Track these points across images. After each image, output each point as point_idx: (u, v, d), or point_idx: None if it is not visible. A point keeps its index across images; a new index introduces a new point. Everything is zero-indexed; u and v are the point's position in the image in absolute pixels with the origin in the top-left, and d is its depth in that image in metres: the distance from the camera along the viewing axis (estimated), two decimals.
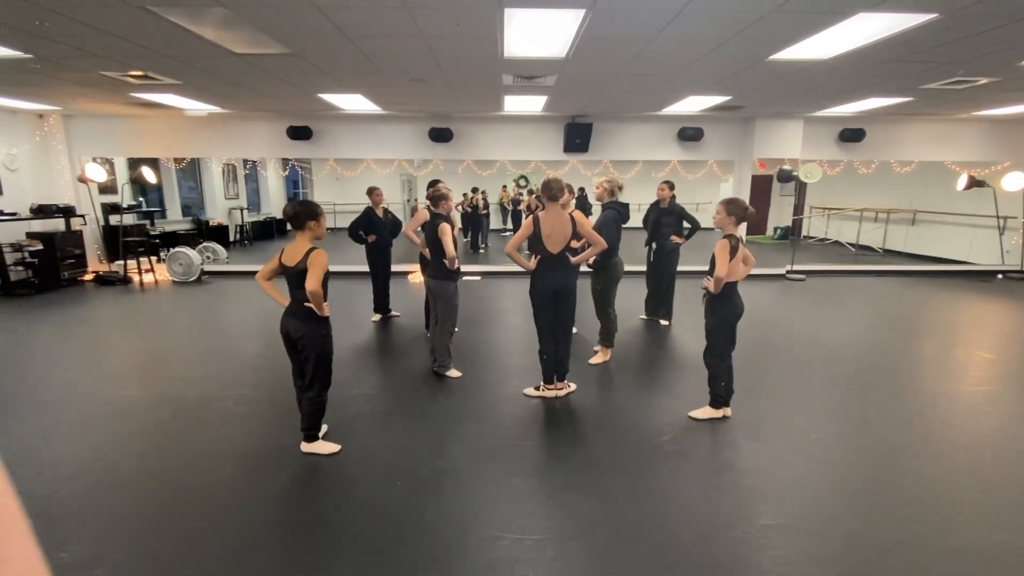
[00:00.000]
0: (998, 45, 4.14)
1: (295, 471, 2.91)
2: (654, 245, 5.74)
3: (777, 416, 3.61)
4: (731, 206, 3.26)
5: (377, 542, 2.34)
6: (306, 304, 2.82)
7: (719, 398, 3.54)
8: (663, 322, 5.87)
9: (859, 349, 5.10)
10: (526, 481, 2.82)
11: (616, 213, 4.43)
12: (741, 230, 8.97)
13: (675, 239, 5.61)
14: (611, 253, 4.36)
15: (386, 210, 5.78)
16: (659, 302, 5.89)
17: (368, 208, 5.66)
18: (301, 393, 3.02)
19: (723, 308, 3.40)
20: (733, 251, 3.24)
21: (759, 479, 2.83)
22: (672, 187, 5.62)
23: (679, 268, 5.85)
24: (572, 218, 3.62)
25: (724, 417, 3.55)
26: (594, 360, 4.62)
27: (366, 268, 5.86)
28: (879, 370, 4.53)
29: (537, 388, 3.94)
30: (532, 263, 3.70)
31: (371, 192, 5.66)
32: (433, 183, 4.54)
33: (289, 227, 2.94)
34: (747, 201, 8.69)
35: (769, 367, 4.60)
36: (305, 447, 3.09)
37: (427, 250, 4.32)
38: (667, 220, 5.60)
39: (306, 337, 2.88)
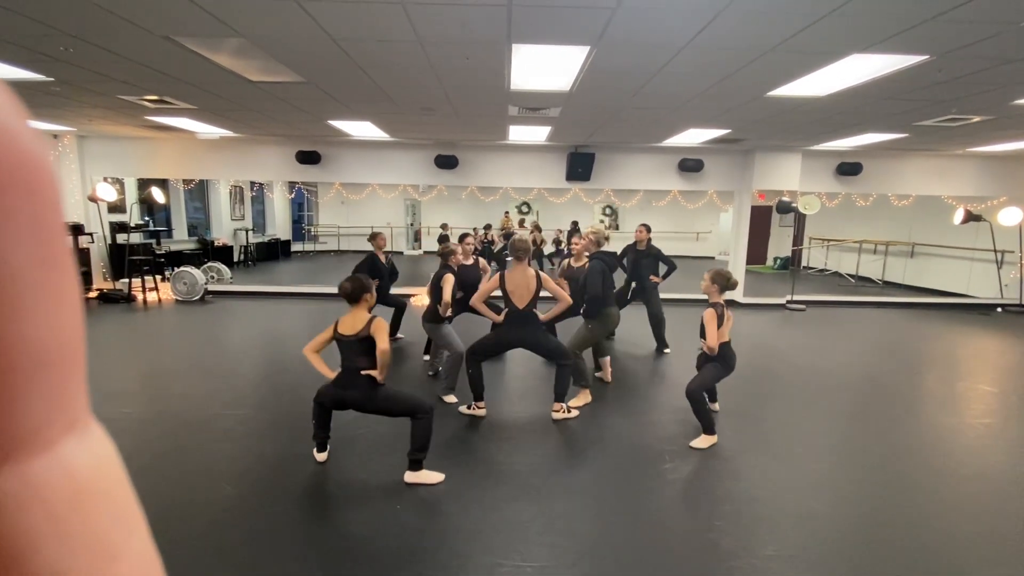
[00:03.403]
0: (989, 85, 4.28)
1: (295, 492, 2.90)
2: (634, 284, 6.01)
3: (779, 446, 3.60)
4: (717, 277, 3.59)
5: (376, 566, 2.32)
6: (363, 372, 2.89)
7: (711, 424, 3.64)
8: (666, 350, 6.00)
9: (861, 380, 5.11)
10: (527, 507, 2.80)
11: (602, 264, 4.32)
12: (740, 265, 9.08)
13: (653, 279, 5.91)
14: (600, 303, 4.25)
15: (387, 255, 5.74)
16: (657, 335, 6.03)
17: (372, 254, 5.64)
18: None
19: (717, 364, 3.62)
20: (720, 319, 3.50)
21: (762, 509, 2.82)
22: (649, 230, 5.93)
23: (663, 297, 6.17)
24: (537, 275, 3.80)
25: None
26: (574, 403, 4.29)
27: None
28: (881, 401, 4.53)
29: (469, 407, 4.05)
30: (500, 317, 3.91)
31: (374, 238, 5.65)
32: (442, 239, 4.76)
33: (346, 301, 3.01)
34: (747, 231, 8.87)
35: (771, 397, 4.60)
36: (409, 477, 3.03)
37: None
38: (645, 262, 5.89)
39: (370, 401, 2.92)
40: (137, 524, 0.24)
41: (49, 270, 0.19)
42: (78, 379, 0.21)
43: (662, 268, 5.92)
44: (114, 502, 0.23)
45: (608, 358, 4.83)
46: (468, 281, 4.78)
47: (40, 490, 0.19)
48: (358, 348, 2.90)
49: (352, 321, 2.94)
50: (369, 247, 5.83)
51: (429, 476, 3.04)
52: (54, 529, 0.19)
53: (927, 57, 3.59)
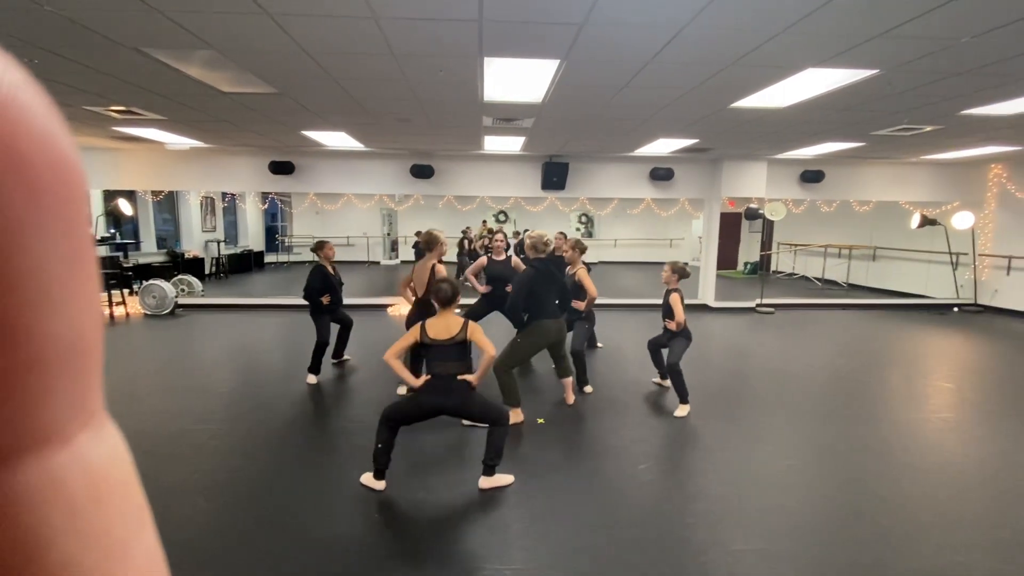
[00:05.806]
0: (937, 97, 4.53)
1: (270, 505, 2.87)
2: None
3: (749, 443, 3.72)
4: (675, 268, 4.23)
5: (354, 573, 2.32)
6: (459, 377, 2.90)
7: (687, 394, 4.21)
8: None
9: (826, 379, 5.30)
10: (504, 511, 2.84)
11: (533, 271, 3.96)
12: (711, 270, 9.33)
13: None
14: (518, 314, 3.95)
15: (335, 265, 5.17)
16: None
17: (319, 265, 4.97)
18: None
19: (683, 338, 4.27)
20: (682, 301, 4.17)
21: (732, 505, 2.91)
22: (567, 238, 5.75)
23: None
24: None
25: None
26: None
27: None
28: (846, 398, 4.71)
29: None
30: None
31: (321, 247, 5.02)
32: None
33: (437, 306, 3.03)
34: (717, 236, 9.13)
35: (741, 396, 4.74)
36: (484, 482, 3.06)
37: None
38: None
39: (466, 407, 2.94)
40: (146, 521, 0.24)
41: (76, 269, 0.20)
42: (96, 375, 0.22)
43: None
44: (126, 498, 0.23)
45: (570, 379, 4.41)
46: (498, 276, 4.82)
47: (60, 485, 0.19)
48: (454, 353, 2.89)
49: (445, 325, 2.93)
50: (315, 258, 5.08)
51: (502, 479, 3.11)
52: (71, 524, 0.20)
53: (877, 71, 3.80)
